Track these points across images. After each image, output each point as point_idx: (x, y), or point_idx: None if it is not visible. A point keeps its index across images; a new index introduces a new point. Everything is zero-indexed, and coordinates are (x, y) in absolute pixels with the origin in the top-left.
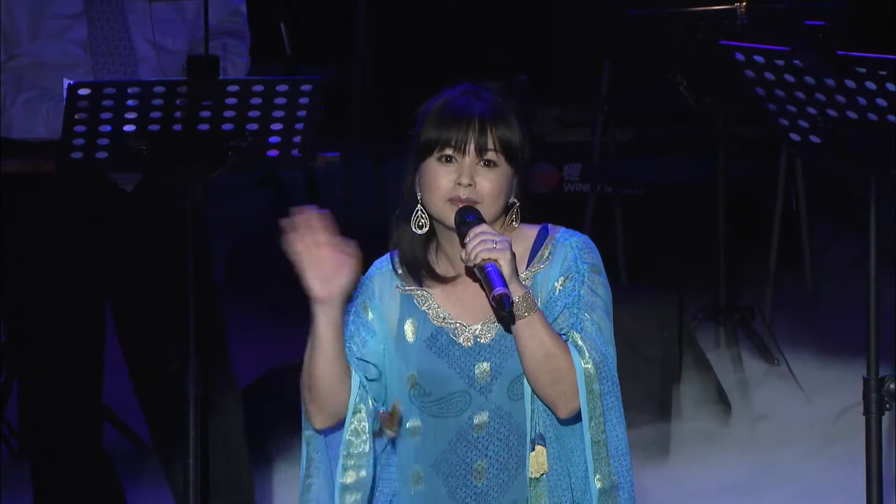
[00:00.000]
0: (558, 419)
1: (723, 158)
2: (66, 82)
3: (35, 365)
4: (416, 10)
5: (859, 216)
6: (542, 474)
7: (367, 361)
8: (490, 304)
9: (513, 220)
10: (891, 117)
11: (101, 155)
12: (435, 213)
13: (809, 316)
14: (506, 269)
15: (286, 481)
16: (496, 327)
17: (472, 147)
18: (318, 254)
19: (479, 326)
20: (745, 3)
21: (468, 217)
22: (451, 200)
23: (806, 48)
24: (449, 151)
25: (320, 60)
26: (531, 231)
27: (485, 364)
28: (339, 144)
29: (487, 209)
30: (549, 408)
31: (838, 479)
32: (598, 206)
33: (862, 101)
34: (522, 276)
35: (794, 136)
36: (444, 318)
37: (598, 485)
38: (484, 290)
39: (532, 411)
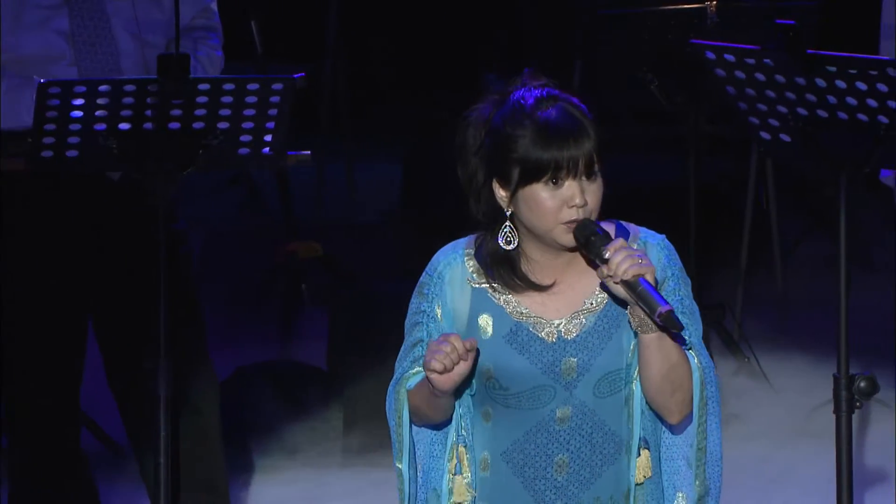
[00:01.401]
0: (651, 425)
1: (693, 157)
2: (36, 80)
3: (14, 366)
4: (386, 10)
5: (830, 215)
6: (646, 478)
7: None
8: (653, 320)
9: None
10: (861, 116)
11: (72, 153)
12: (541, 234)
13: (780, 314)
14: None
15: (260, 480)
16: (579, 323)
17: (581, 167)
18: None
19: (563, 322)
20: (715, 2)
21: (596, 231)
22: (566, 224)
23: (776, 47)
24: (560, 175)
25: (291, 59)
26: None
27: (572, 360)
28: (310, 143)
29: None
30: (660, 414)
31: (808, 476)
32: None
33: (832, 99)
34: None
35: (765, 135)
36: (524, 314)
37: (697, 491)
38: (639, 305)
39: (640, 415)
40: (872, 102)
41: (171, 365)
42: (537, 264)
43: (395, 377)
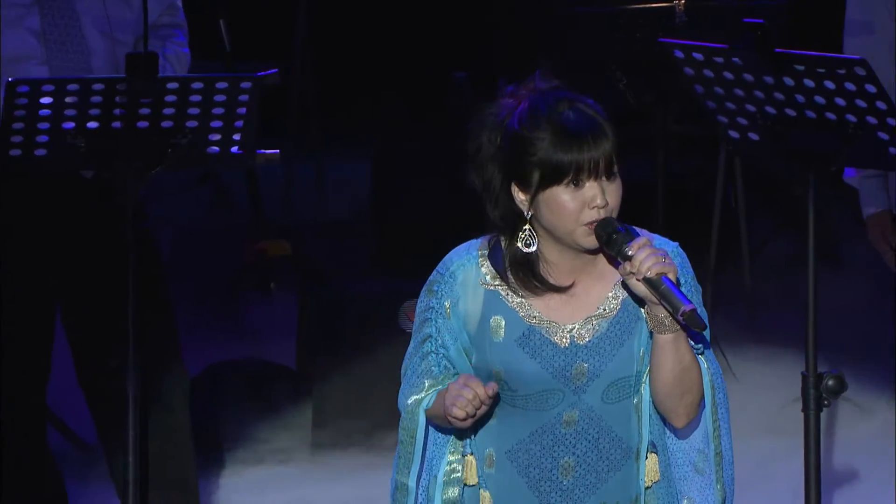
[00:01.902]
0: (658, 429)
1: (662, 156)
2: (4, 79)
3: None
4: (355, 8)
5: (798, 213)
6: (654, 482)
7: (450, 364)
8: (675, 319)
9: None
10: (829, 115)
11: (41, 152)
12: (562, 235)
13: (748, 312)
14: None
15: (230, 478)
16: (592, 328)
17: (602, 167)
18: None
19: (576, 326)
20: (683, 1)
21: (618, 229)
22: (588, 225)
23: (744, 46)
24: (582, 177)
25: (260, 58)
26: None
27: (583, 365)
28: (280, 142)
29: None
30: (666, 418)
31: (777, 474)
32: None
33: (800, 98)
34: (622, 282)
35: (734, 134)
36: (537, 317)
37: (718, 495)
38: (661, 303)
39: (649, 418)
40: (840, 101)
41: (141, 363)
42: (555, 266)
43: (405, 383)
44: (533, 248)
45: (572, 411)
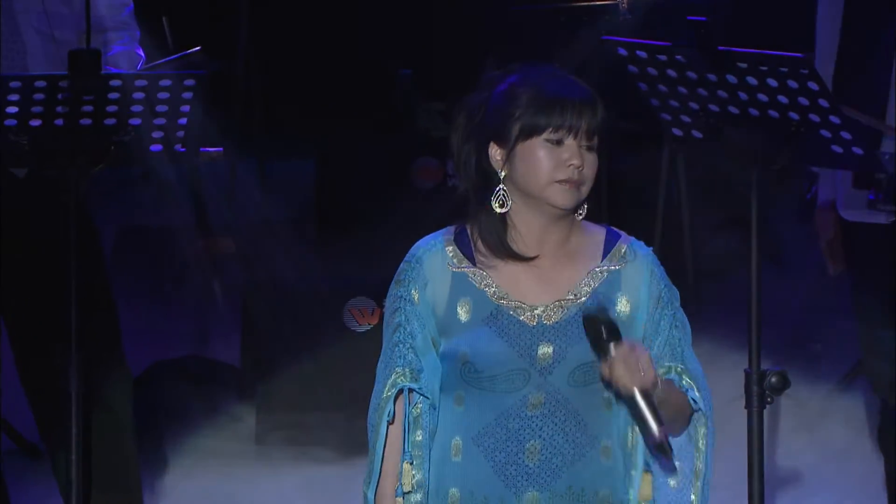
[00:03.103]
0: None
1: (605, 152)
2: None
3: None
4: (299, 7)
5: (741, 211)
6: (646, 501)
7: (415, 358)
8: (649, 439)
9: (583, 209)
10: (772, 112)
11: None
12: (535, 193)
13: (692, 309)
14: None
15: (173, 477)
16: (561, 311)
17: (584, 130)
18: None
19: (543, 307)
20: None
21: (609, 323)
22: (560, 182)
23: (688, 43)
24: (561, 134)
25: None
26: (594, 226)
27: (548, 346)
28: (223, 140)
29: (584, 195)
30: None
31: (719, 472)
32: None
33: (743, 96)
34: (597, 269)
35: (677, 132)
36: (504, 297)
37: None
38: (641, 418)
39: (629, 429)
40: (783, 99)
41: (83, 362)
42: (523, 236)
43: (377, 382)
44: (506, 209)
45: (538, 394)
